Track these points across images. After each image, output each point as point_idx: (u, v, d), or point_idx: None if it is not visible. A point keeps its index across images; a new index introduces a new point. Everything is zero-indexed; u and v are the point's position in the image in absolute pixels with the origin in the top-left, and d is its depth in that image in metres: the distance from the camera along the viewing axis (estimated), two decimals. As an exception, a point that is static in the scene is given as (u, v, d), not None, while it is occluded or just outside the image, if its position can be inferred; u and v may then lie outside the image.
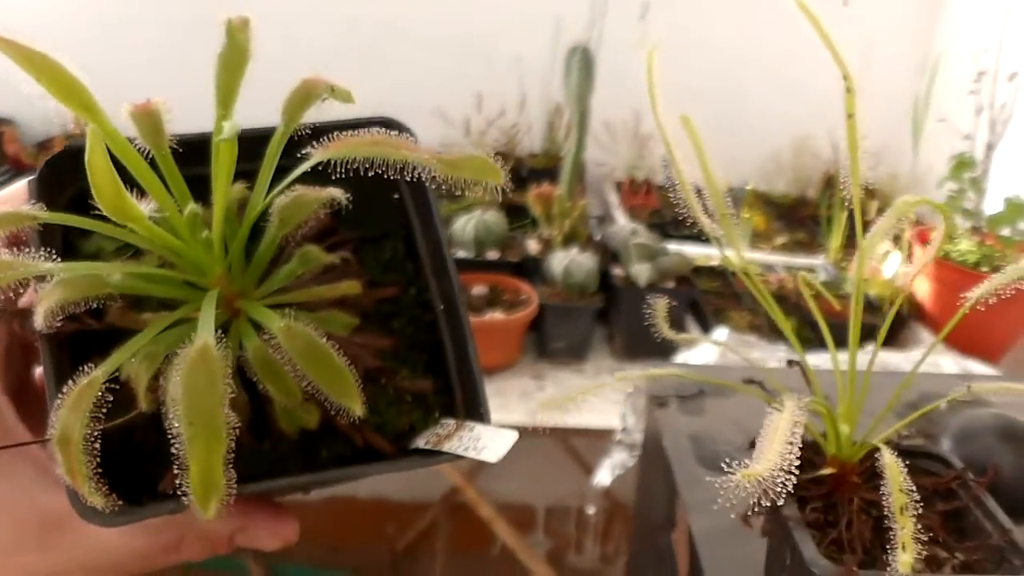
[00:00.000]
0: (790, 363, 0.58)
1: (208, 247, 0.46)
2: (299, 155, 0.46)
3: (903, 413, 0.59)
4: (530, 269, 2.04)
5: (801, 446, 0.56)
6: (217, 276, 0.46)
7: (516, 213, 2.28)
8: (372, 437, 0.49)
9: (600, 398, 2.09)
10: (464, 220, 2.09)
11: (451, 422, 0.49)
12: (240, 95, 0.48)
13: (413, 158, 0.44)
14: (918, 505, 0.45)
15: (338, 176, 0.46)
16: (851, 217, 2.20)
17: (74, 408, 0.40)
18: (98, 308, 0.46)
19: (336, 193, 0.48)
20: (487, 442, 0.45)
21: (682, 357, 1.78)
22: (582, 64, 1.96)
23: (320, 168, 0.45)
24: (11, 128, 2.49)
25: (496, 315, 1.88)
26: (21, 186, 0.49)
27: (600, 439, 1.93)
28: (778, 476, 0.37)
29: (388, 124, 0.53)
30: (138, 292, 0.46)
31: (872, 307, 1.99)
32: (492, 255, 2.07)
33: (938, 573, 0.48)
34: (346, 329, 0.50)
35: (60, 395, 0.41)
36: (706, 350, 1.79)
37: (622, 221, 2.37)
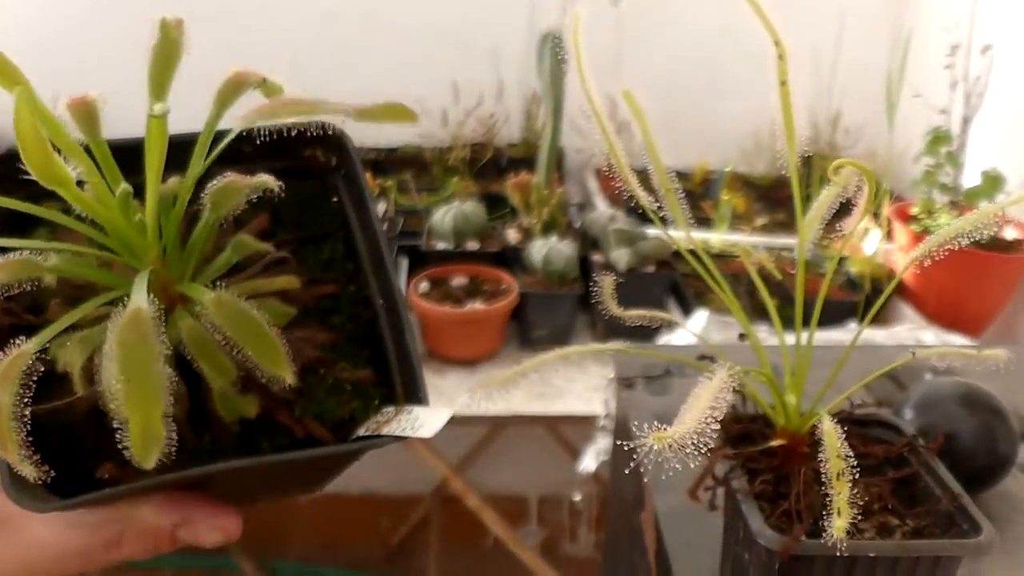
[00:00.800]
0: (741, 336, 0.57)
1: (142, 230, 0.46)
2: (230, 141, 0.46)
3: (871, 386, 0.59)
4: (510, 258, 2.04)
5: (751, 419, 0.55)
6: (152, 258, 0.47)
7: (495, 203, 2.28)
8: (312, 426, 0.49)
9: (584, 385, 2.08)
10: (443, 211, 2.08)
11: (391, 409, 0.50)
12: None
13: (331, 110, 0.45)
14: (868, 472, 0.45)
15: (277, 176, 0.47)
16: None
17: (3, 378, 0.40)
18: (36, 304, 0.46)
19: (268, 179, 0.49)
20: (423, 421, 0.46)
21: (663, 340, 1.78)
22: (554, 51, 1.95)
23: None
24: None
25: (477, 305, 1.87)
26: None
27: (588, 426, 1.93)
28: (695, 439, 0.37)
29: (323, 127, 0.54)
30: (73, 275, 0.46)
31: (853, 284, 1.99)
32: (471, 246, 2.06)
33: (888, 539, 0.48)
34: (284, 319, 0.50)
35: None
36: (686, 333, 1.79)
37: (602, 208, 2.37)
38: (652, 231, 2.04)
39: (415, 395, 0.50)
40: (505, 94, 2.66)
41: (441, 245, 2.07)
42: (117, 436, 0.41)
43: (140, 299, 0.40)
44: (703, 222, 2.30)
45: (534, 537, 2.40)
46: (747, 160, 2.58)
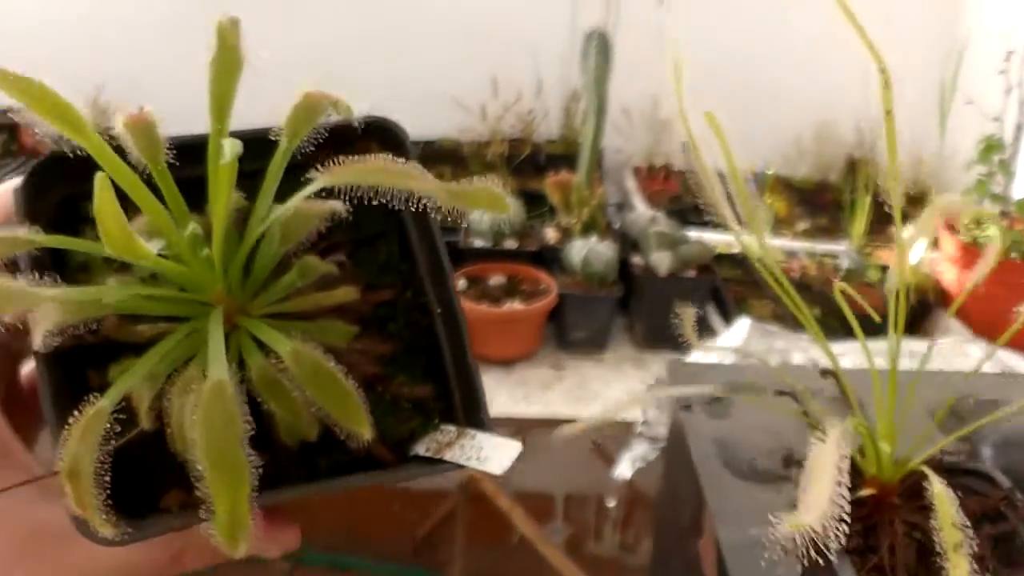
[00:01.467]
0: (823, 373, 0.55)
1: (208, 266, 0.44)
2: (301, 179, 0.44)
3: (946, 422, 0.56)
4: (548, 258, 2.02)
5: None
6: (217, 293, 0.45)
7: (533, 201, 2.26)
8: (372, 445, 0.47)
9: (621, 389, 2.06)
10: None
11: (452, 429, 0.48)
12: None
13: (419, 188, 0.43)
14: (967, 532, 0.43)
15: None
16: (876, 202, 2.16)
17: (82, 440, 0.38)
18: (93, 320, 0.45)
19: (337, 206, 0.48)
20: (490, 452, 0.44)
21: (704, 346, 1.75)
22: (600, 49, 1.92)
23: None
24: (27, 119, 2.48)
25: (515, 305, 1.86)
26: (3, 191, 0.47)
27: (620, 431, 1.91)
28: (828, 525, 0.35)
29: (384, 126, 0.52)
30: (135, 311, 0.45)
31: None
32: (510, 244, 2.04)
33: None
34: (346, 339, 0.49)
35: (58, 417, 0.40)
36: (729, 338, 1.76)
37: (641, 208, 2.34)
38: (693, 234, 2.01)
39: (476, 416, 0.48)
40: (544, 91, 2.63)
41: (479, 243, 2.05)
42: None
43: (220, 367, 0.39)
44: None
45: (559, 535, 2.38)
46: (788, 163, 2.54)
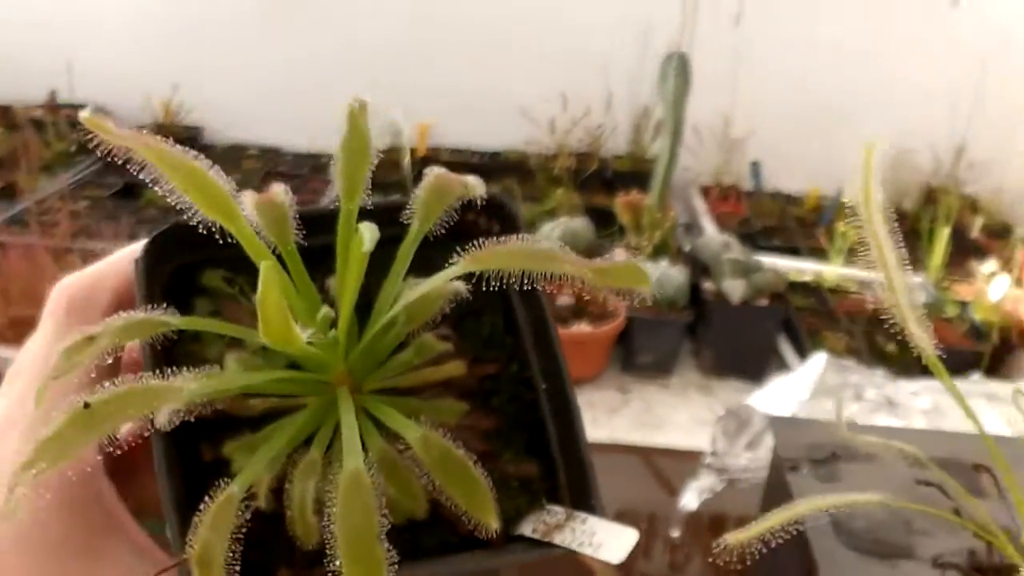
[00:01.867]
0: (976, 468, 0.53)
1: (334, 346, 0.44)
2: (446, 264, 0.44)
3: None
4: (617, 280, 2.00)
5: (996, 571, 0.51)
6: (340, 374, 0.45)
7: (599, 217, 2.24)
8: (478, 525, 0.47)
9: (688, 416, 2.03)
10: (550, 227, 2.05)
11: (560, 510, 0.47)
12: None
13: (568, 271, 0.42)
14: None
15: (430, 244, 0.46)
16: (955, 234, 2.11)
17: (213, 527, 0.38)
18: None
19: (460, 287, 0.47)
20: (603, 538, 0.43)
21: (775, 379, 1.72)
22: (679, 71, 1.90)
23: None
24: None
25: (583, 327, 1.84)
26: (121, 258, 0.48)
27: (682, 459, 1.89)
28: None
29: (499, 203, 0.52)
30: (256, 391, 0.45)
31: (979, 332, 1.90)
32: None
33: None
34: (457, 416, 0.48)
35: (173, 492, 0.41)
36: (804, 372, 1.73)
37: (710, 230, 2.31)
38: (766, 260, 1.97)
39: (586, 499, 0.47)
40: (613, 106, 2.61)
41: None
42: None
43: (356, 459, 0.38)
44: (816, 252, 2.23)
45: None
46: (862, 188, 2.48)
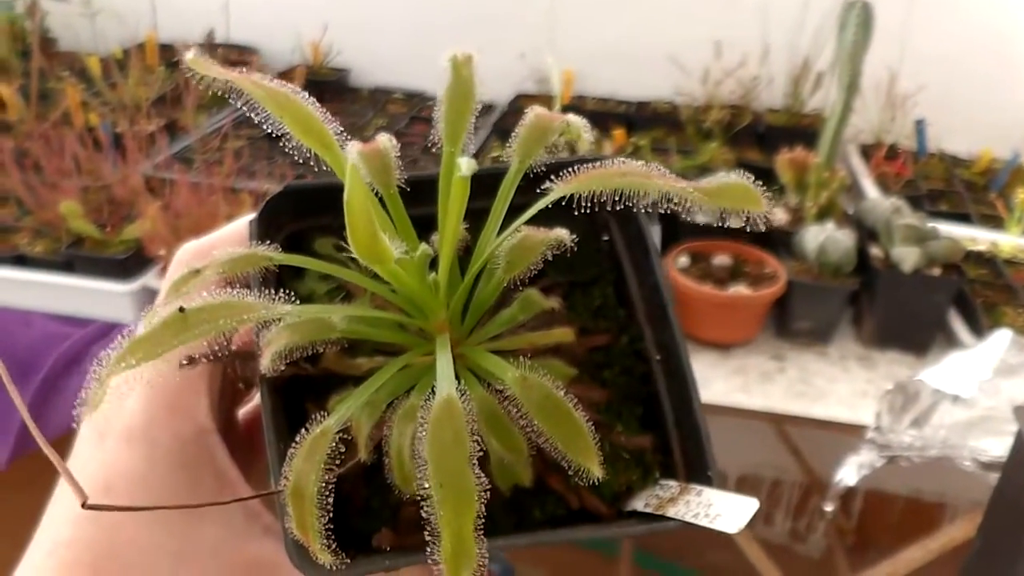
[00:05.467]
0: None
1: (434, 290, 0.44)
2: (538, 190, 0.43)
3: None
4: (776, 241, 1.91)
5: None
6: (440, 321, 0.44)
7: (751, 173, 2.14)
8: (588, 498, 0.45)
9: (849, 389, 1.95)
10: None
11: (673, 484, 0.45)
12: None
13: (670, 188, 0.40)
14: None
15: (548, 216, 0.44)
16: None
17: (308, 459, 0.38)
18: (313, 353, 0.45)
19: (563, 234, 0.46)
20: (721, 509, 0.40)
21: (952, 355, 1.63)
22: (861, 21, 1.78)
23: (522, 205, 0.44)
24: (255, 57, 2.57)
25: (741, 290, 1.78)
26: (238, 225, 0.49)
27: (833, 431, 1.83)
28: None
29: (625, 212, 0.50)
30: (358, 337, 0.45)
31: None
32: (734, 222, 1.95)
33: None
34: (564, 379, 0.46)
35: (281, 443, 0.40)
36: (982, 351, 1.63)
37: (870, 190, 2.19)
38: (944, 228, 1.85)
39: (701, 471, 0.45)
40: (771, 57, 2.48)
41: (701, 218, 1.97)
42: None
43: (449, 384, 0.37)
44: (988, 219, 2.08)
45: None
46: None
